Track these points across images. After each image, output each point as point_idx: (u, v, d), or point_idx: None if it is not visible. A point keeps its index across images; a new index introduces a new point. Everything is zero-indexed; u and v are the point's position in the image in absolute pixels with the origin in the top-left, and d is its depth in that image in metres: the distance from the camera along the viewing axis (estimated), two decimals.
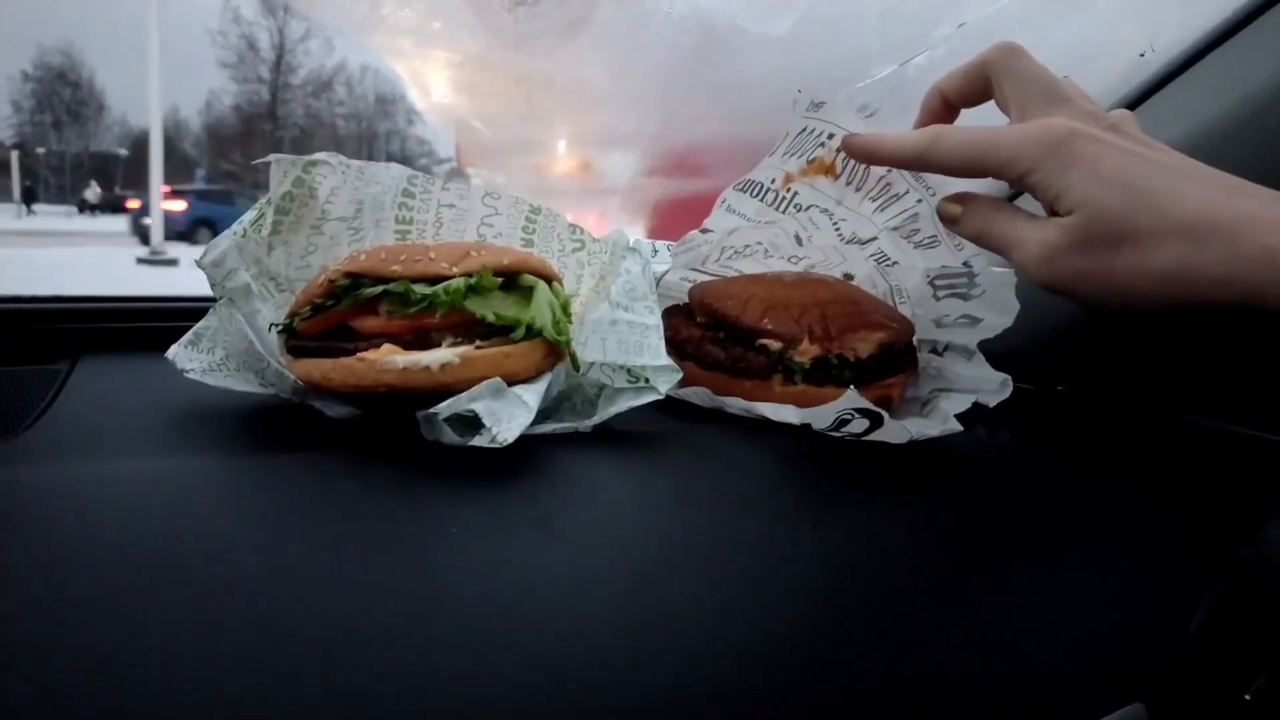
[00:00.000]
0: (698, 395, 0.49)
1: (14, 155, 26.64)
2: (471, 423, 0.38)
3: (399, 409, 0.40)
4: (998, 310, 0.48)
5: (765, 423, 0.48)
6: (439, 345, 0.39)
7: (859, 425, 0.45)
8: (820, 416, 0.45)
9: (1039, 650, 0.37)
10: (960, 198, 0.42)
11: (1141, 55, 0.56)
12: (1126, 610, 0.37)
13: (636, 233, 0.65)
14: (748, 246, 0.55)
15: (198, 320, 0.44)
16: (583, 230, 0.49)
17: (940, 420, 0.47)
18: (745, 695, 0.27)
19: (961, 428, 0.46)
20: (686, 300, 0.55)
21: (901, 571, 0.36)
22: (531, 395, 0.39)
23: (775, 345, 0.48)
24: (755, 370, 0.48)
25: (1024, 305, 0.48)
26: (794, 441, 0.46)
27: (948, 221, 0.43)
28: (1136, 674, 0.34)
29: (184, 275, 10.18)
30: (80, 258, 10.66)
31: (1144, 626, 0.37)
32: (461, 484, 0.37)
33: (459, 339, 0.40)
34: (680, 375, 0.45)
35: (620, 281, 0.46)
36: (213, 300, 0.44)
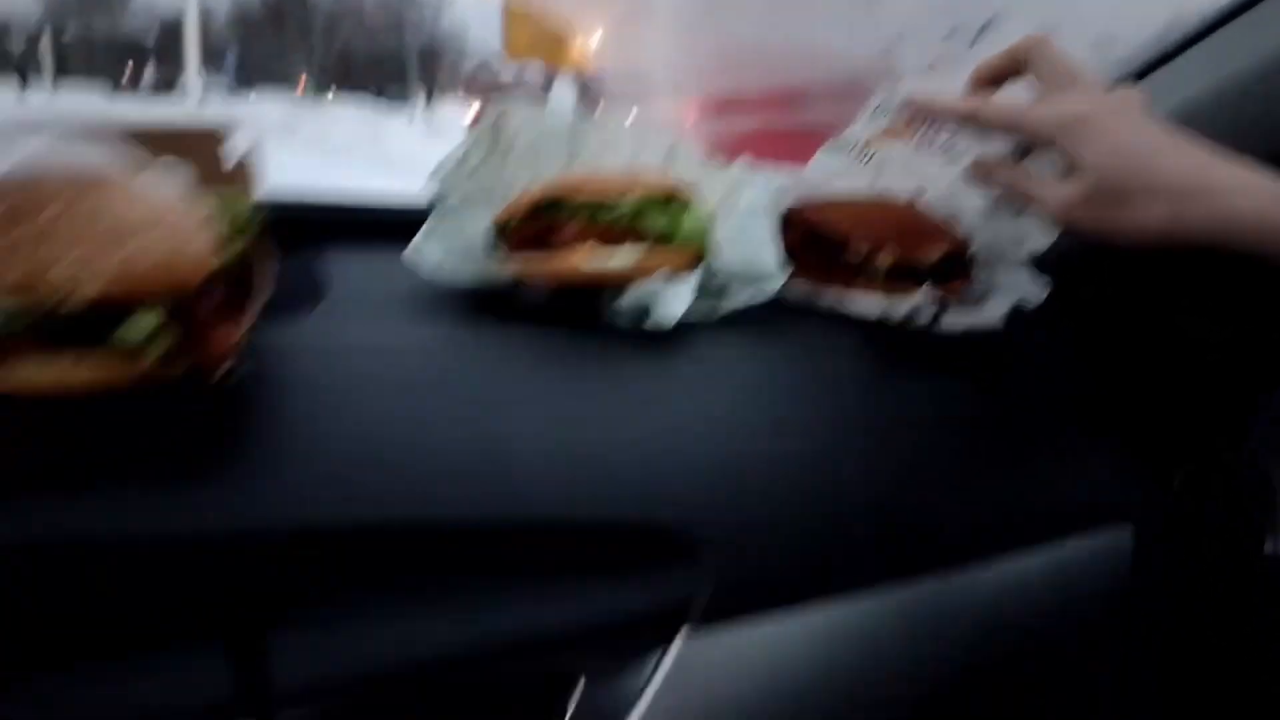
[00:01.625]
0: (797, 292, 0.63)
1: (45, 33, 26.49)
2: (641, 309, 0.52)
3: (586, 297, 0.54)
4: (1040, 232, 0.61)
5: (850, 315, 0.61)
6: (620, 250, 0.53)
7: (926, 316, 0.58)
8: (896, 309, 0.59)
9: (1052, 481, 0.52)
10: (989, 160, 0.55)
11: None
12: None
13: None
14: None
15: (422, 223, 0.58)
16: (713, 161, 0.62)
17: (985, 315, 0.60)
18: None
19: (1003, 322, 0.60)
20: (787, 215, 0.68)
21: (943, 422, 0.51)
22: (685, 289, 0.53)
23: (860, 251, 0.61)
24: (843, 272, 0.62)
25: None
26: (872, 331, 0.59)
27: (977, 177, 0.55)
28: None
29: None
30: None
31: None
32: (624, 353, 0.51)
33: (636, 243, 0.54)
34: (787, 274, 0.59)
35: (744, 201, 0.59)
36: (431, 209, 0.58)
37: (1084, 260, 0.68)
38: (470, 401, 0.43)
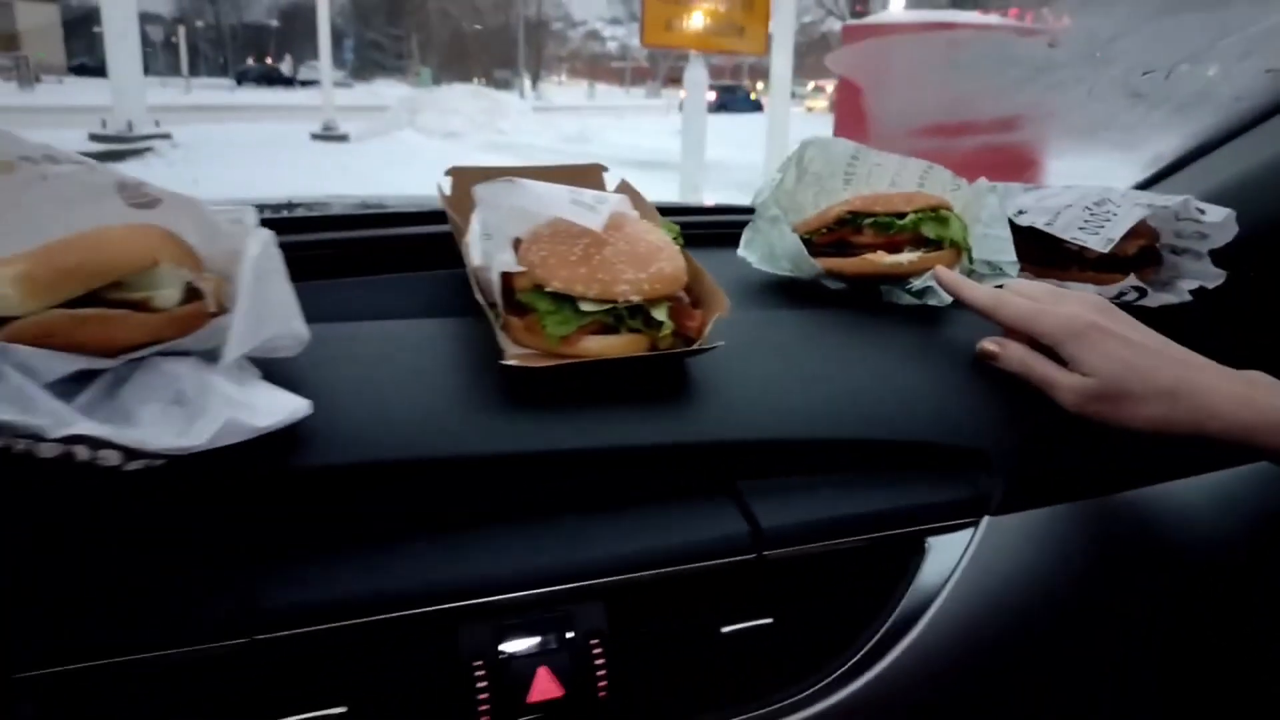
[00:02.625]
0: (1025, 279, 0.82)
1: (180, 30, 27.94)
2: (922, 293, 0.72)
3: (872, 285, 0.75)
4: (1221, 231, 0.78)
5: None
6: (903, 252, 0.73)
7: (1131, 296, 0.76)
8: (1108, 290, 0.77)
9: None
10: (997, 342, 0.63)
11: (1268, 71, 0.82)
12: None
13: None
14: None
15: (744, 225, 0.79)
16: (958, 177, 0.82)
17: (1176, 294, 0.78)
18: None
19: (1191, 298, 0.77)
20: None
21: None
22: None
23: (1075, 246, 0.80)
24: (1062, 261, 0.81)
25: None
26: None
27: (987, 359, 0.63)
28: None
29: (354, 149, 10.82)
30: (262, 133, 11.41)
31: None
32: (907, 324, 0.71)
33: (911, 248, 0.74)
34: (1019, 266, 0.78)
35: (985, 210, 0.78)
36: (750, 214, 0.79)
37: (1254, 253, 0.85)
38: (821, 359, 0.64)
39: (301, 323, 0.53)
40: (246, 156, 8.98)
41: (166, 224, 0.52)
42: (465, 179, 0.75)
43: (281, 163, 8.74)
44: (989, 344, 0.64)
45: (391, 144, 10.85)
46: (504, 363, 0.54)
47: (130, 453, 0.42)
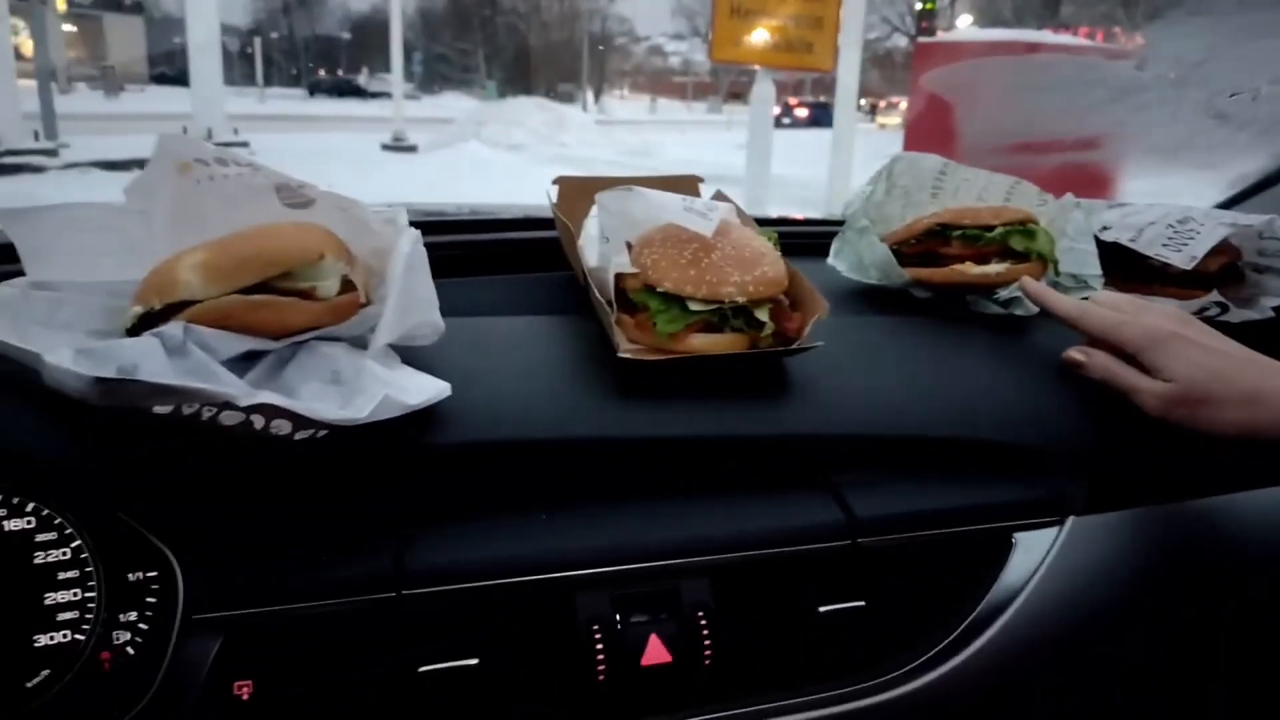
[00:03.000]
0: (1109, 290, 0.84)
1: (256, 41, 28.83)
2: (1005, 304, 0.75)
3: (960, 295, 0.78)
4: None
5: None
6: (990, 263, 0.76)
7: (1213, 311, 0.78)
8: (1190, 305, 0.79)
9: None
10: (1082, 351, 0.65)
11: None
12: None
13: None
14: None
15: (832, 236, 0.83)
16: (1043, 192, 0.84)
17: (1258, 311, 0.80)
18: None
19: (1273, 314, 0.79)
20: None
21: None
22: None
23: (1158, 261, 0.82)
24: (1146, 276, 0.83)
25: None
26: None
27: (1073, 366, 0.65)
28: None
29: (422, 159, 11.05)
30: (334, 142, 11.72)
31: None
32: (993, 332, 0.74)
33: (999, 259, 0.77)
34: (1104, 280, 0.80)
35: (1071, 225, 0.81)
36: (839, 225, 0.83)
37: None
38: (912, 361, 0.68)
39: (439, 315, 0.58)
40: (320, 165, 9.21)
41: (320, 222, 0.57)
42: (572, 189, 0.80)
43: (354, 171, 8.96)
44: (1074, 352, 0.65)
45: (458, 155, 11.04)
46: (620, 355, 0.58)
47: (301, 422, 0.47)
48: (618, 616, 0.51)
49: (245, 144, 9.65)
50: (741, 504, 0.56)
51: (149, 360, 0.47)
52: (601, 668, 0.50)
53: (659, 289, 0.60)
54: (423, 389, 0.51)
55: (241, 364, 0.52)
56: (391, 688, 0.48)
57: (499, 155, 11.35)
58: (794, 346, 0.61)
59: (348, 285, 0.55)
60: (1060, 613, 0.60)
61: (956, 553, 0.59)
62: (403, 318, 0.54)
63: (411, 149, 11.50)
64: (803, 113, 23.41)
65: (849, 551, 0.56)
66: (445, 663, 0.49)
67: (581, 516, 0.54)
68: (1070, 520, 0.61)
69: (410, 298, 0.55)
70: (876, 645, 0.57)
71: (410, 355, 0.57)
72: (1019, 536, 0.60)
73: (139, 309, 0.52)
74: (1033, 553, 0.60)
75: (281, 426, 0.47)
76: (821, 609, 0.55)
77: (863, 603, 0.56)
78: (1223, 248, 0.81)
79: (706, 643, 0.51)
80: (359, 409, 0.48)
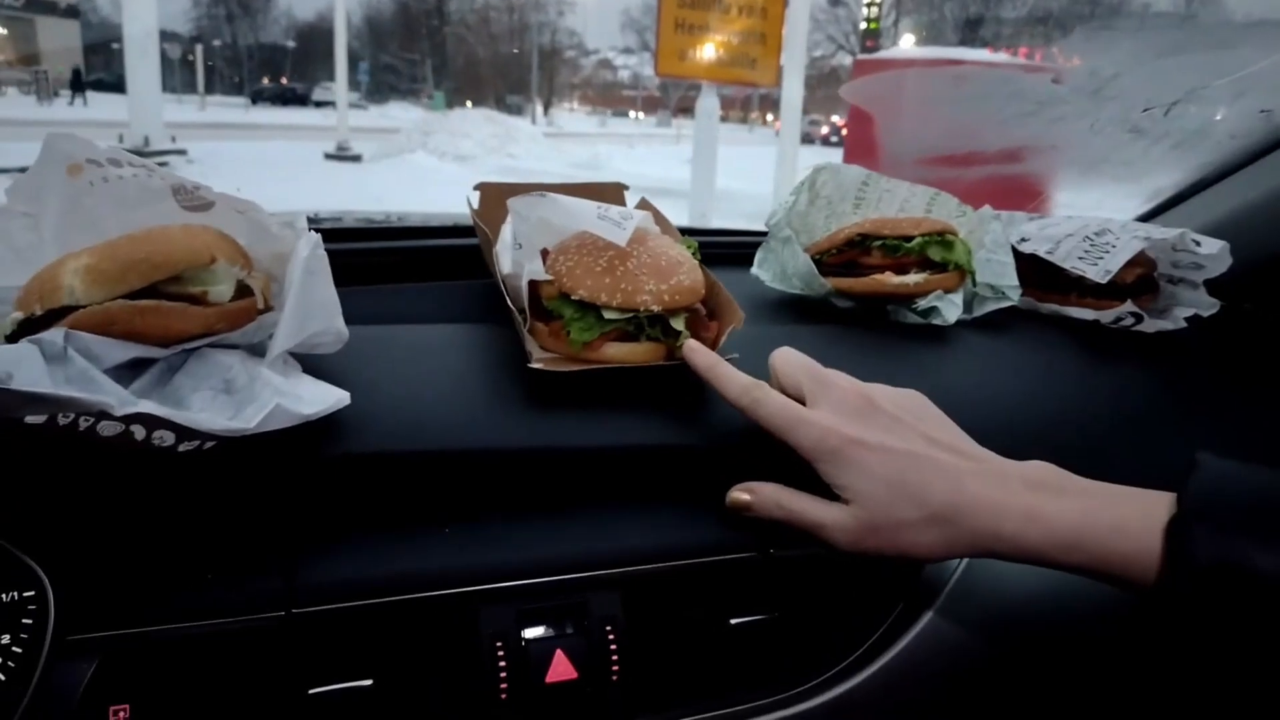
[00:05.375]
0: (1026, 302, 0.85)
1: (198, 48, 28.31)
2: (927, 313, 0.75)
3: (879, 304, 0.78)
4: (1216, 263, 0.81)
5: (1064, 319, 0.83)
6: (910, 273, 0.77)
7: (1128, 321, 0.79)
8: (1105, 316, 0.80)
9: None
10: (746, 488, 0.52)
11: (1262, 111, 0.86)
12: None
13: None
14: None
15: (757, 246, 0.83)
16: (963, 204, 0.85)
17: (1172, 321, 0.81)
18: None
19: (1186, 325, 0.80)
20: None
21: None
22: (957, 300, 0.76)
23: (1075, 274, 0.83)
24: (1063, 287, 0.84)
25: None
26: (1085, 331, 0.81)
27: (738, 509, 0.53)
28: None
29: (367, 170, 10.93)
30: (276, 151, 11.53)
31: None
32: (913, 341, 0.74)
33: (918, 270, 0.77)
34: (1020, 290, 0.81)
35: (989, 236, 0.81)
36: (764, 235, 0.82)
37: (1247, 283, 0.88)
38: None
39: (342, 321, 0.56)
40: (261, 173, 9.06)
41: (218, 225, 0.55)
42: (492, 194, 0.78)
43: (296, 180, 8.83)
44: (738, 493, 0.53)
45: (404, 165, 10.95)
46: (531, 365, 0.57)
47: (184, 433, 0.45)
48: (522, 632, 0.49)
49: (183, 152, 9.45)
50: (652, 515, 0.55)
51: (24, 367, 0.44)
52: (504, 685, 0.48)
53: (573, 296, 0.59)
54: (319, 398, 0.49)
55: (129, 372, 0.50)
56: (279, 711, 0.46)
57: (446, 166, 11.27)
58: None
59: (244, 290, 0.53)
60: (973, 625, 0.60)
61: (868, 564, 0.59)
62: (301, 324, 0.52)
63: (356, 158, 11.36)
64: (823, 130, 26.48)
65: (760, 563, 0.55)
66: (337, 684, 0.47)
67: (486, 529, 0.52)
68: None
69: (310, 303, 0.53)
70: (788, 658, 0.56)
71: (312, 364, 0.55)
72: None
73: (19, 315, 0.50)
74: (945, 565, 0.60)
75: (164, 438, 0.45)
76: (733, 621, 0.54)
77: (775, 614, 0.55)
78: (1138, 259, 0.83)
79: (614, 658, 0.50)
80: (248, 419, 0.46)
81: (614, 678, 0.50)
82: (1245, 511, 0.40)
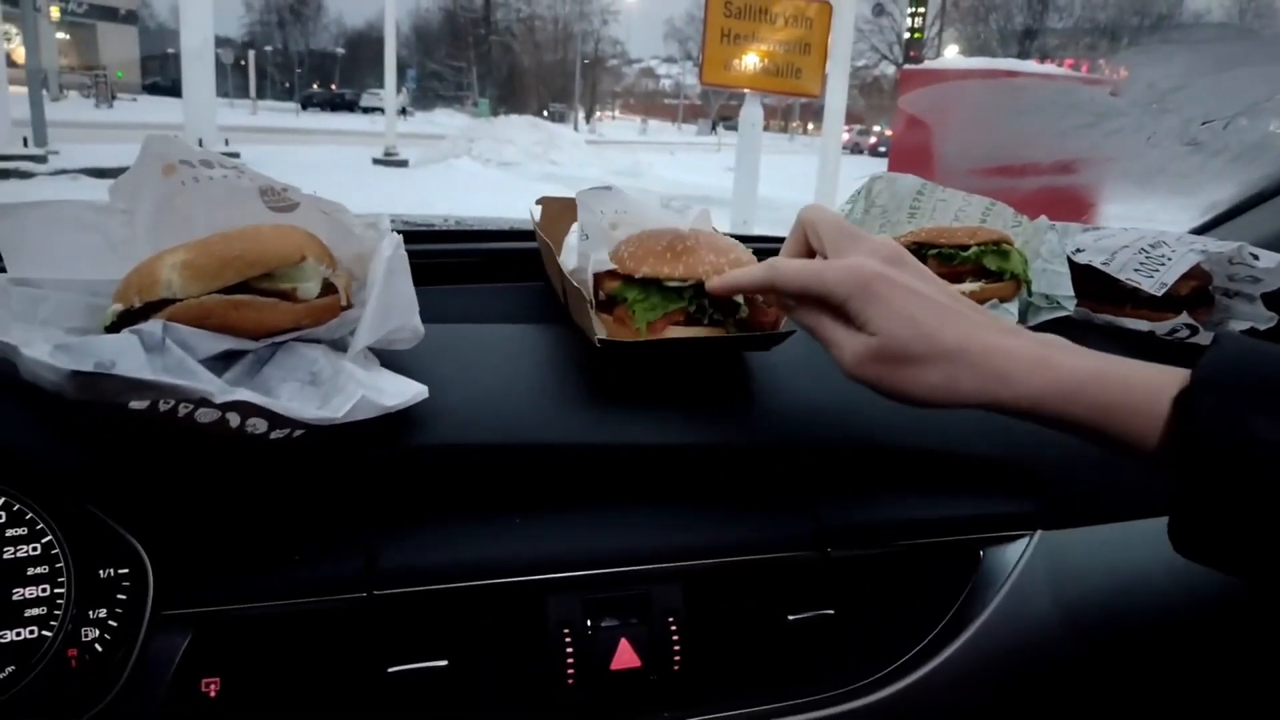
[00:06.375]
0: (1081, 313, 0.86)
1: (250, 54, 28.85)
2: None
3: None
4: (1274, 276, 0.81)
5: (1118, 330, 0.83)
6: (965, 282, 0.78)
7: (1183, 333, 0.80)
8: (1160, 327, 0.80)
9: None
10: (797, 297, 0.52)
11: None
12: None
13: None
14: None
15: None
16: (1018, 214, 0.86)
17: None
18: None
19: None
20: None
21: None
22: (1012, 309, 0.77)
23: (1130, 285, 0.83)
24: (1117, 298, 0.84)
25: None
26: (1138, 342, 0.81)
27: (784, 310, 0.57)
28: None
29: (413, 174, 11.07)
30: (325, 155, 11.73)
31: None
32: None
33: (973, 279, 0.78)
34: (1075, 301, 0.82)
35: (1044, 246, 0.82)
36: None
37: None
38: None
39: (419, 319, 0.58)
40: (310, 177, 9.15)
41: (303, 225, 0.58)
42: (553, 208, 0.81)
43: (345, 184, 8.97)
44: (786, 296, 0.54)
45: (449, 171, 11.08)
46: (599, 338, 0.58)
47: (277, 421, 0.47)
48: (588, 620, 0.51)
49: (236, 155, 9.55)
50: (715, 511, 0.57)
51: (126, 356, 0.47)
52: (571, 671, 0.50)
53: (636, 275, 0.60)
54: (400, 391, 0.52)
55: (220, 363, 0.53)
56: (360, 688, 0.49)
57: (490, 172, 11.39)
58: (770, 333, 0.62)
59: (329, 288, 0.55)
60: (1026, 626, 0.61)
61: (925, 564, 0.60)
62: (382, 321, 0.55)
63: (403, 164, 11.52)
64: (871, 140, 27.77)
65: (819, 561, 0.56)
66: (415, 663, 0.49)
67: (555, 520, 0.54)
68: (1038, 534, 0.62)
69: (390, 301, 0.55)
70: (844, 654, 0.57)
71: (389, 359, 0.58)
72: (988, 549, 0.61)
73: (119, 306, 0.53)
74: (1000, 566, 0.61)
75: (257, 425, 0.47)
76: (791, 617, 0.56)
77: (831, 612, 0.57)
78: (1194, 272, 0.83)
79: (676, 648, 0.52)
80: (336, 409, 0.48)
81: (675, 668, 0.52)
82: (1255, 381, 0.40)
